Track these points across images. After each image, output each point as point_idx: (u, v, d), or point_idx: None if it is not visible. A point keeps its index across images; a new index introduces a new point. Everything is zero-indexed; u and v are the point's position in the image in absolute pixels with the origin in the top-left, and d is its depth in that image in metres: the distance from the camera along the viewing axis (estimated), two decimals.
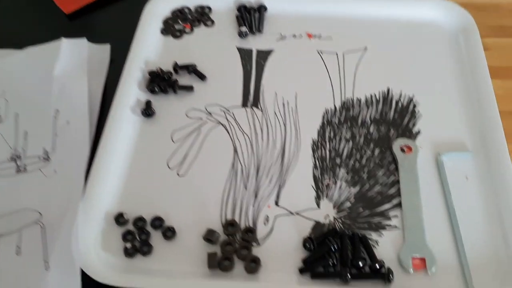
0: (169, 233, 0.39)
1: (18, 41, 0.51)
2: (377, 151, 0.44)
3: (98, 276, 0.36)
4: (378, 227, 0.40)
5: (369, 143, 0.45)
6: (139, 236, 0.39)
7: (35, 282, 0.37)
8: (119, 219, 0.40)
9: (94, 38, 0.51)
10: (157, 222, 0.40)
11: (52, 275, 0.37)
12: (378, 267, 0.37)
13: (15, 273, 0.37)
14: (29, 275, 0.37)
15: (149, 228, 0.40)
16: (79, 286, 0.36)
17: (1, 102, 0.47)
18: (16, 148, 0.44)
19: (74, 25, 0.54)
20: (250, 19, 0.53)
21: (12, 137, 0.45)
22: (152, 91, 0.47)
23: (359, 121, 0.46)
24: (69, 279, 0.36)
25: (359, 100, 0.48)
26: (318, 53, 0.51)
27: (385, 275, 0.37)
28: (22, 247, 0.38)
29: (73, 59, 0.49)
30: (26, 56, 0.49)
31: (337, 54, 0.51)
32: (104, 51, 0.51)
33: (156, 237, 0.39)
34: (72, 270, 0.36)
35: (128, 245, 0.39)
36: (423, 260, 0.38)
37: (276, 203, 0.41)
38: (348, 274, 0.37)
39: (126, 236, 0.39)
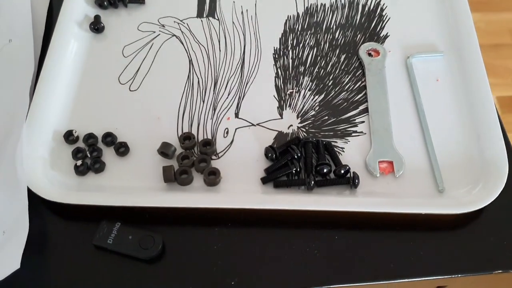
0: (121, 149, 0.37)
1: None
2: (343, 57, 0.42)
3: (46, 194, 0.34)
4: (344, 135, 0.38)
5: (334, 49, 0.42)
6: (90, 153, 0.37)
7: None
8: (69, 137, 0.37)
9: None
10: (109, 139, 0.37)
11: None
12: (343, 172, 0.36)
13: None
14: None
15: (100, 145, 0.37)
16: (26, 205, 0.33)
17: None
18: None
19: None
20: None
21: None
22: (100, 5, 0.44)
23: (324, 27, 0.43)
24: (15, 197, 0.34)
25: (323, 5, 0.44)
26: None
27: (351, 179, 0.35)
28: None
29: None
30: None
31: None
32: None
33: (108, 154, 0.37)
34: (18, 189, 0.34)
35: (79, 162, 0.36)
36: (390, 163, 0.36)
37: (236, 115, 0.39)
38: (312, 181, 0.35)
39: (76, 154, 0.37)
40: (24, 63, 0.40)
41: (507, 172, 0.35)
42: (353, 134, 0.38)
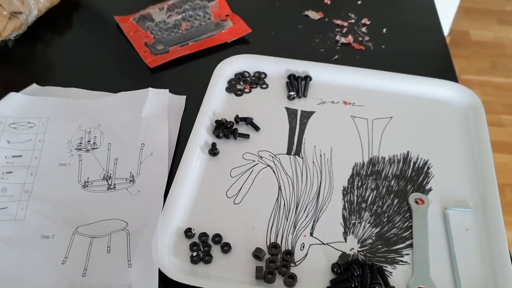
0: (226, 248, 0.50)
1: (113, 87, 0.64)
2: (395, 201, 0.55)
3: (170, 274, 0.46)
4: (393, 262, 0.50)
5: (390, 193, 0.55)
6: (202, 247, 0.49)
7: (120, 275, 0.47)
8: (188, 232, 0.50)
9: (172, 89, 0.64)
10: (217, 238, 0.50)
11: (134, 272, 0.47)
12: None
13: (105, 267, 0.48)
14: (115, 270, 0.47)
15: (210, 242, 0.50)
16: (157, 280, 0.46)
17: (97, 132, 0.59)
18: (108, 170, 0.56)
19: (156, 78, 0.67)
20: (297, 85, 0.65)
21: (105, 161, 0.56)
22: (217, 136, 0.59)
23: (383, 175, 0.57)
24: (148, 275, 0.46)
25: (383, 158, 0.58)
26: (351, 117, 0.63)
27: None
28: (111, 247, 0.49)
29: (157, 104, 0.61)
30: (119, 98, 0.62)
31: (367, 120, 0.62)
32: (180, 100, 0.63)
33: (215, 250, 0.50)
34: (150, 268, 0.47)
35: (194, 253, 0.49)
36: None
37: (311, 234, 0.52)
38: None
39: (192, 247, 0.49)
40: (160, 173, 0.55)
41: None
42: (399, 263, 0.50)
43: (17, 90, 0.62)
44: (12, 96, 0.61)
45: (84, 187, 0.54)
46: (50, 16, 0.74)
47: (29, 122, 0.59)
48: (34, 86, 0.64)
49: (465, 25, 1.93)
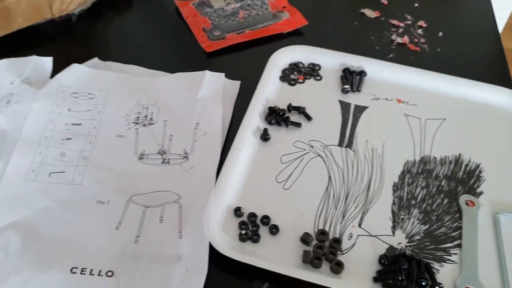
0: (273, 230, 0.50)
1: (169, 68, 0.66)
2: (445, 201, 0.54)
3: (220, 249, 0.47)
4: (440, 260, 0.49)
5: (440, 193, 0.55)
6: (251, 227, 0.50)
7: (171, 246, 0.48)
8: (237, 211, 0.51)
9: (226, 75, 0.65)
10: (265, 220, 0.51)
11: (184, 243, 0.48)
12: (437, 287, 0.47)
13: (157, 236, 0.49)
14: (166, 240, 0.49)
15: (258, 222, 0.51)
16: (207, 253, 0.47)
17: (154, 109, 0.60)
18: (163, 145, 0.57)
19: (212, 62, 0.69)
20: (352, 79, 0.66)
21: (160, 136, 0.58)
22: (269, 122, 0.60)
23: (433, 175, 0.56)
24: (198, 248, 0.47)
25: (435, 158, 0.58)
26: (405, 115, 0.62)
27: None
28: (164, 218, 0.50)
29: (212, 87, 0.62)
30: (177, 78, 0.63)
31: (420, 119, 0.62)
32: (234, 85, 0.64)
33: (263, 231, 0.50)
34: (201, 242, 0.47)
35: (243, 232, 0.50)
36: None
37: (359, 225, 0.52)
38: None
39: (241, 225, 0.50)
40: (212, 152, 0.56)
41: None
42: (447, 261, 0.49)
43: (79, 62, 0.64)
44: (75, 67, 0.63)
45: (139, 159, 0.55)
46: None
47: (89, 93, 0.61)
48: (95, 60, 0.66)
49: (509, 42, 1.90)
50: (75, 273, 0.46)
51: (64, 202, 0.51)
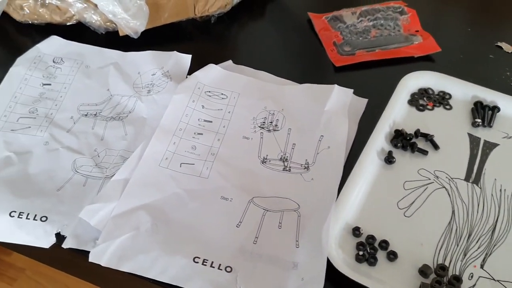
0: (391, 256, 0.49)
1: (297, 78, 0.67)
2: None
3: (337, 265, 0.47)
4: None
5: None
6: (369, 249, 0.50)
7: (288, 252, 0.49)
8: (356, 231, 0.51)
9: (354, 90, 0.65)
10: (383, 244, 0.50)
11: (300, 252, 0.49)
12: None
13: (275, 240, 0.50)
14: (284, 246, 0.50)
15: (376, 246, 0.50)
16: (325, 266, 0.47)
17: (280, 116, 0.62)
18: (285, 152, 0.58)
19: (339, 77, 0.69)
20: (483, 114, 0.63)
21: (283, 144, 0.59)
22: (395, 145, 0.59)
23: None
24: (315, 260, 0.48)
25: None
26: None
27: None
28: (282, 224, 0.51)
29: (339, 102, 0.63)
30: (305, 89, 0.65)
31: None
32: (361, 102, 0.64)
33: (380, 255, 0.50)
34: (318, 254, 0.48)
35: (360, 252, 0.49)
36: None
37: (482, 266, 0.49)
38: None
39: (359, 246, 0.50)
40: (334, 167, 0.56)
41: None
42: None
43: (213, 62, 0.68)
44: (211, 67, 0.66)
45: (262, 163, 0.57)
46: (249, 2, 0.79)
47: (222, 93, 0.64)
48: (229, 62, 0.69)
49: None
50: (197, 262, 0.48)
51: (191, 191, 0.54)
